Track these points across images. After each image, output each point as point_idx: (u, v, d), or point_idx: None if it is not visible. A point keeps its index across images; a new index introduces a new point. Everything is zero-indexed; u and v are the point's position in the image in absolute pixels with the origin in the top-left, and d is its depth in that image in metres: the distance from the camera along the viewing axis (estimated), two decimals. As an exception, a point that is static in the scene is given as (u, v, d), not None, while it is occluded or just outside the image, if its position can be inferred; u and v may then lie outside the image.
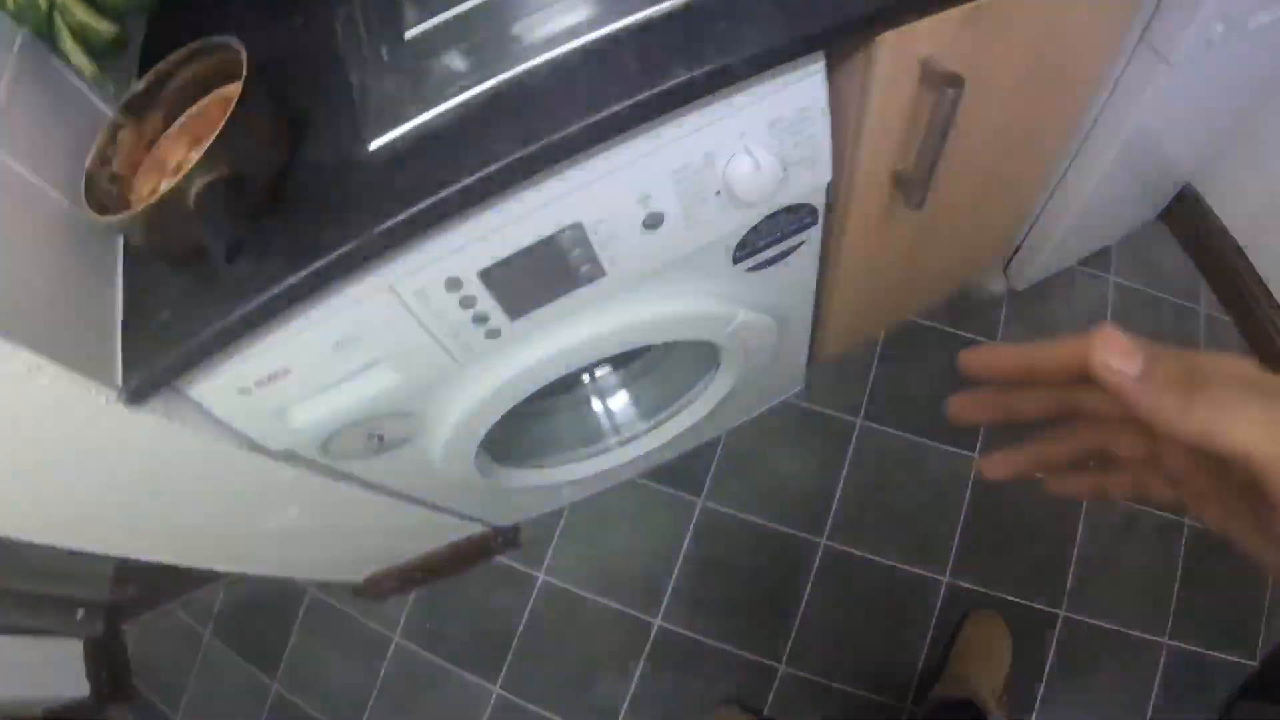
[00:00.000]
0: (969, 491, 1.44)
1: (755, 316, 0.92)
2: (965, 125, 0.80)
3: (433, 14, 0.69)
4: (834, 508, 1.45)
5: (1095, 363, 0.26)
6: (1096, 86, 1.05)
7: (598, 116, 0.60)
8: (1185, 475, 0.30)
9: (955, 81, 0.73)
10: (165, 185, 0.62)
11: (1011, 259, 1.49)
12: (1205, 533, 1.43)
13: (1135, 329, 0.31)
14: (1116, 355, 0.26)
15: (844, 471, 1.46)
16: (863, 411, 1.50)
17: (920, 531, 1.42)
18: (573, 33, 0.64)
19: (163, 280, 0.71)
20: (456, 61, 0.66)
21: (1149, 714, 1.35)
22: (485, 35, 0.67)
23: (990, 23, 0.74)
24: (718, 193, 0.72)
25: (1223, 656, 1.38)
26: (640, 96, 0.60)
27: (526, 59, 0.64)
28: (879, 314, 1.46)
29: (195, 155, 0.61)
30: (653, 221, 0.71)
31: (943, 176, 0.87)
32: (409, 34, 0.69)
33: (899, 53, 0.72)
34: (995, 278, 1.55)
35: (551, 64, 0.63)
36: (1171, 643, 1.39)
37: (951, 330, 1.56)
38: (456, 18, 0.69)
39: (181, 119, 0.75)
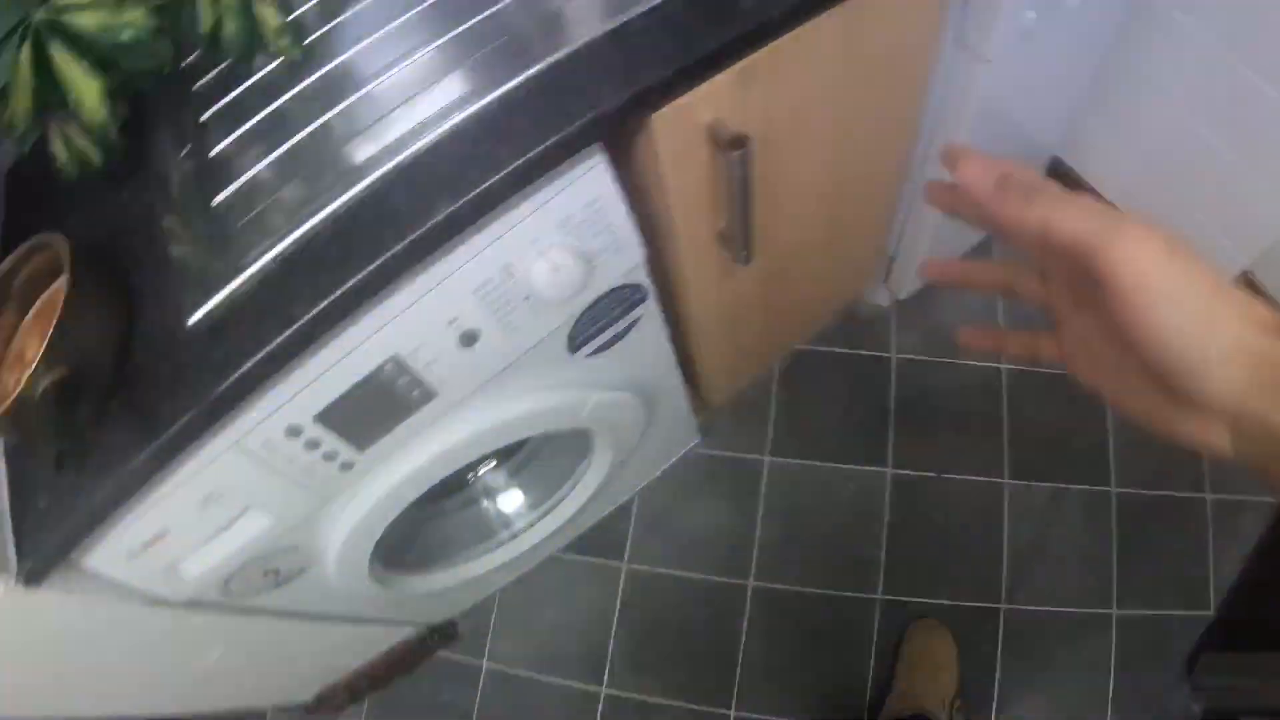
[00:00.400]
0: (887, 506, 1.50)
1: (610, 396, 0.99)
2: (782, 170, 0.85)
3: (234, 178, 0.76)
4: (756, 548, 1.50)
5: (960, 178, 0.32)
6: (920, 99, 1.10)
7: (375, 264, 0.67)
8: (1063, 322, 0.37)
9: (738, 143, 0.78)
10: (19, 383, 0.69)
11: (890, 270, 1.55)
12: (1136, 497, 1.50)
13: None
14: (976, 171, 0.32)
15: (759, 510, 1.51)
16: (768, 447, 1.56)
17: (846, 554, 1.47)
18: (351, 180, 0.70)
19: (38, 466, 0.76)
20: (255, 226, 0.72)
21: (1110, 688, 1.39)
22: (278, 197, 0.73)
23: (768, 75, 0.79)
24: (527, 298, 0.78)
25: (1175, 613, 1.43)
26: (411, 237, 0.66)
27: (316, 213, 0.70)
28: (759, 355, 1.51)
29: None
30: (468, 339, 0.78)
31: (772, 224, 0.93)
32: (215, 201, 0.75)
33: (679, 126, 0.76)
34: (878, 290, 1.60)
35: (335, 217, 0.70)
36: (1120, 612, 1.44)
37: (844, 350, 1.63)
38: (252, 181, 0.75)
39: (34, 309, 0.81)
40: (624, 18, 0.73)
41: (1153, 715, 1.39)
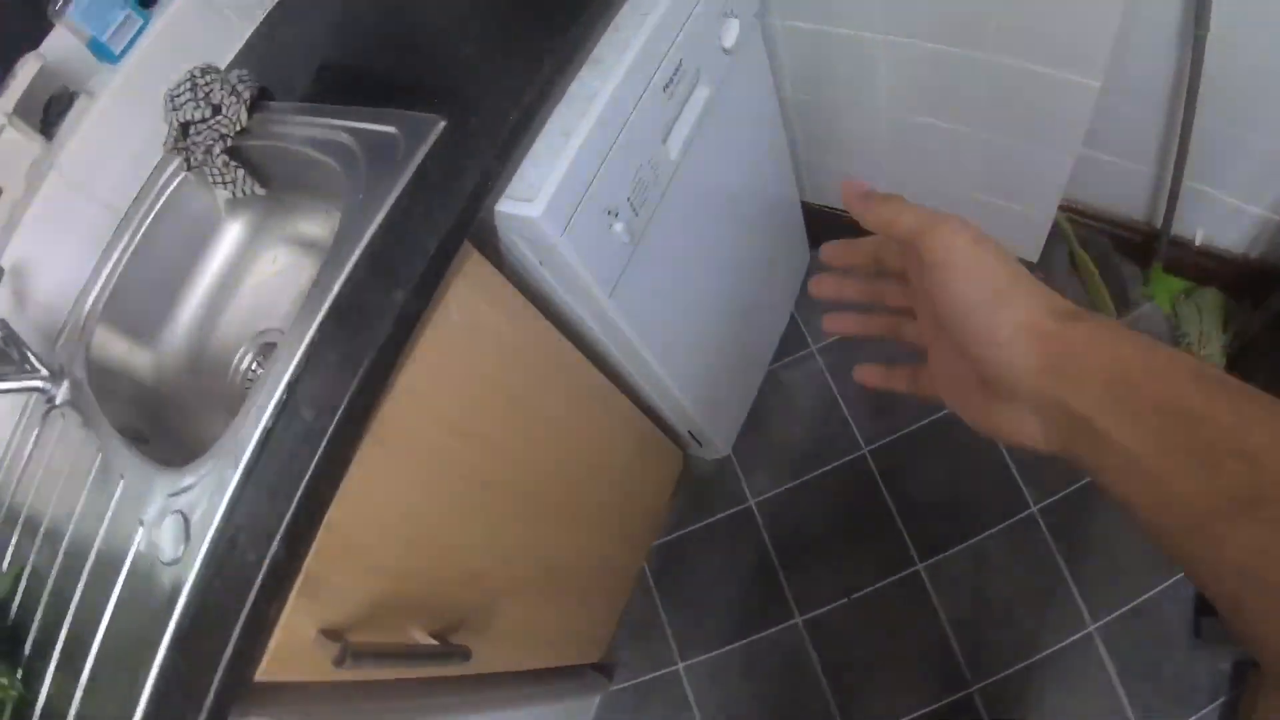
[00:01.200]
0: (814, 653, 1.50)
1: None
2: (468, 559, 0.91)
3: None
4: (708, 753, 1.49)
5: (846, 203, 0.40)
6: (581, 359, 1.12)
7: None
8: (929, 350, 0.43)
9: (341, 658, 0.79)
10: None
11: (699, 441, 1.53)
12: (1061, 503, 1.49)
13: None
14: (856, 194, 0.40)
15: (697, 718, 1.51)
16: (676, 655, 1.56)
17: (798, 718, 1.48)
18: None
19: None
20: None
21: (1125, 700, 1.36)
22: None
23: (341, 556, 0.81)
24: None
25: (1157, 589, 1.40)
26: None
27: None
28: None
29: None
30: None
31: (487, 609, 0.99)
32: None
33: (290, 657, 0.79)
34: (706, 449, 1.59)
35: None
36: (1099, 623, 1.41)
37: (703, 523, 1.64)
38: None
39: None
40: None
41: (1183, 693, 1.35)
